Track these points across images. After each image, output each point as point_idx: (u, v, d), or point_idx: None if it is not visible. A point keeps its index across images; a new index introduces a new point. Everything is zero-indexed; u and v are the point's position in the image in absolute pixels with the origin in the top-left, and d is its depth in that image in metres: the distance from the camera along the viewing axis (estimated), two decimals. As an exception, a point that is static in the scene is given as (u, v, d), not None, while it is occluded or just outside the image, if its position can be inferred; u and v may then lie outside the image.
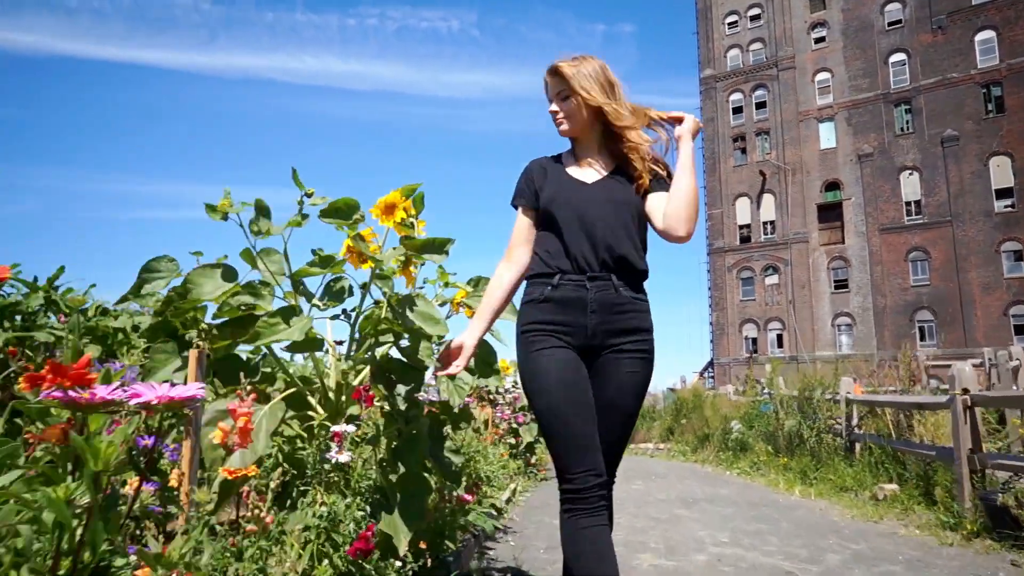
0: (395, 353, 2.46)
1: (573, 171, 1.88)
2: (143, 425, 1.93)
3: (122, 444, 1.71)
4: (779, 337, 39.29)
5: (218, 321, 2.30)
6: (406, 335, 2.09)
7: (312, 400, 2.36)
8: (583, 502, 1.63)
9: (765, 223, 40.72)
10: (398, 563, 1.94)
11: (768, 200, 40.53)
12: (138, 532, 1.61)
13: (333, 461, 1.76)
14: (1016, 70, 34.09)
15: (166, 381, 2.09)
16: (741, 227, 41.43)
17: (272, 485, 1.63)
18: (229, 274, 2.21)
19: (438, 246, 2.07)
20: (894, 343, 32.81)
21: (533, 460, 8.04)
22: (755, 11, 42.48)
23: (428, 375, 2.49)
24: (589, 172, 1.87)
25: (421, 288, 2.59)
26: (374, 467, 2.19)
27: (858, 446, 7.48)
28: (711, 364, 41.63)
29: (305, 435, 1.98)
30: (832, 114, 39.25)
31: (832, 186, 39.05)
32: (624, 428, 1.79)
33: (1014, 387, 8.27)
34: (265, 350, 2.23)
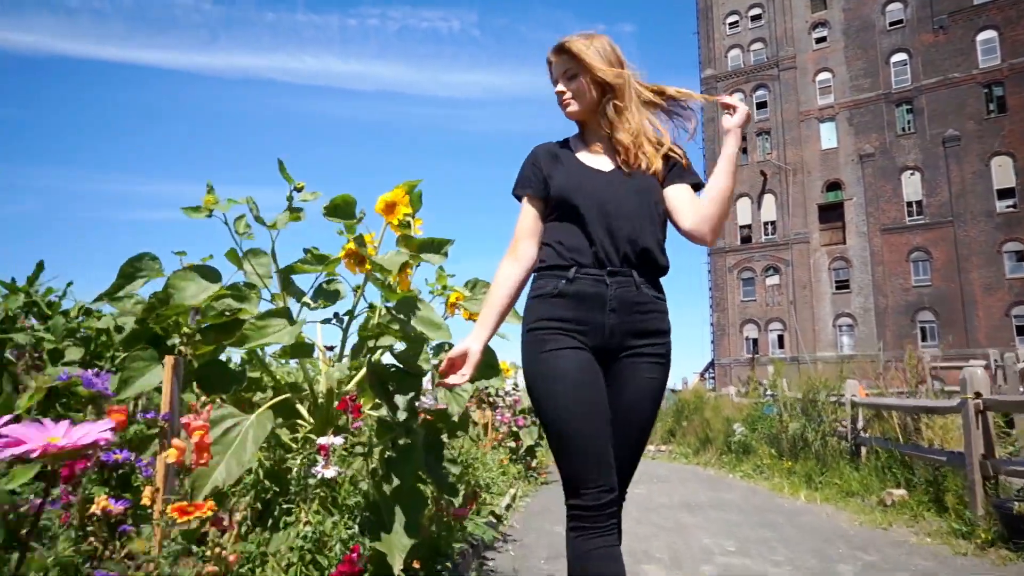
0: (390, 357, 2.34)
1: (585, 157, 1.73)
2: (117, 439, 1.80)
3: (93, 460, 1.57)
4: (780, 338, 39.15)
5: (203, 325, 2.19)
6: (402, 340, 1.97)
7: (301, 408, 2.23)
8: (594, 520, 1.49)
9: (766, 223, 40.57)
10: (391, 583, 1.82)
11: (769, 200, 40.39)
12: (107, 554, 1.48)
13: (319, 477, 1.63)
14: (1018, 70, 33.94)
15: (143, 393, 1.97)
16: (742, 227, 41.27)
17: (240, 512, 1.50)
18: (213, 276, 2.09)
19: (437, 247, 1.94)
20: (896, 344, 32.69)
21: (534, 464, 7.92)
22: (756, 11, 42.34)
23: (424, 381, 2.36)
24: (602, 159, 1.72)
25: (418, 291, 2.47)
26: (366, 480, 2.07)
27: (864, 450, 7.35)
28: (712, 365, 41.48)
29: (294, 446, 1.86)
30: (833, 114, 39.11)
31: (833, 186, 38.91)
32: (640, 439, 1.64)
33: (1021, 389, 8.14)
34: (248, 355, 2.10)
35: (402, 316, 1.84)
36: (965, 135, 34.91)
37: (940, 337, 34.28)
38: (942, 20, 36.11)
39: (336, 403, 2.21)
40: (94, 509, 1.47)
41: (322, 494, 1.67)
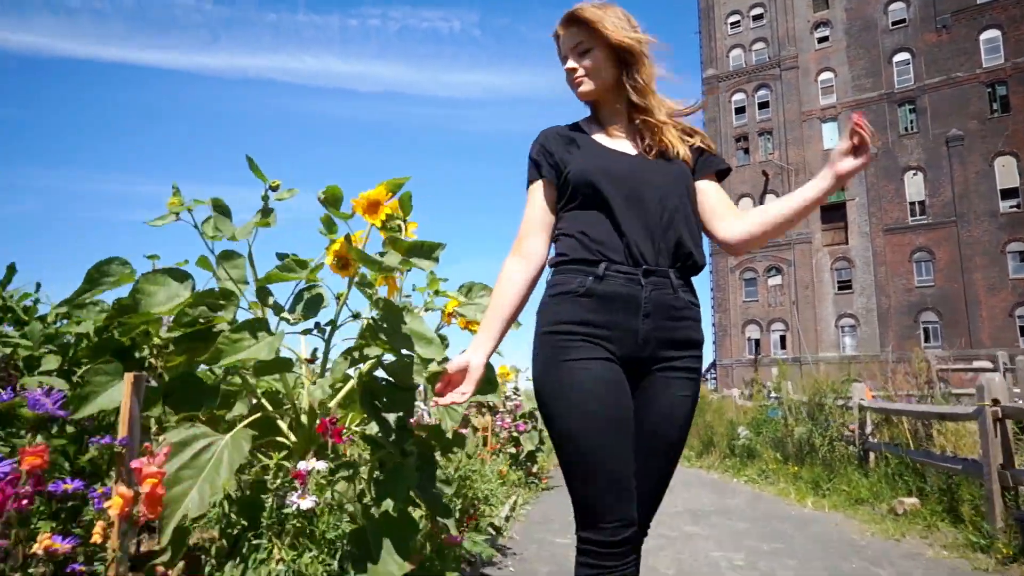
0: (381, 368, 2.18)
1: (603, 139, 1.52)
2: (67, 465, 1.64)
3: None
4: (782, 338, 38.96)
5: (178, 334, 2.02)
6: (390, 352, 1.80)
7: (282, 424, 2.07)
8: (612, 558, 1.30)
9: (768, 224, 40.35)
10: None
11: (770, 200, 40.19)
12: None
13: (294, 508, 1.46)
14: (1022, 69, 33.75)
15: (103, 411, 1.80)
16: (744, 228, 41.07)
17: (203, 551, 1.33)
18: (186, 281, 1.92)
19: (427, 250, 1.77)
20: (898, 345, 32.52)
21: (535, 469, 7.75)
22: (758, 11, 42.18)
23: (417, 395, 2.19)
24: (623, 143, 1.51)
25: (408, 297, 2.30)
26: (353, 503, 1.90)
27: (873, 455, 7.18)
28: (713, 365, 41.29)
29: (269, 467, 1.69)
30: (835, 114, 38.95)
31: (835, 186, 38.70)
32: (667, 467, 1.43)
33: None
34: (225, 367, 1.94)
35: (389, 328, 1.67)
36: (968, 135, 34.73)
37: (943, 338, 34.08)
38: (945, 19, 35.94)
39: (321, 421, 2.04)
40: (36, 548, 1.30)
41: (298, 524, 1.50)
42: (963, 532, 4.61)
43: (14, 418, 1.46)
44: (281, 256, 1.79)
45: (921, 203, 36.10)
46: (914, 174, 36.36)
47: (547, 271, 1.52)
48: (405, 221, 2.09)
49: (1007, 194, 33.84)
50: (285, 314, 1.80)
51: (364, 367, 1.88)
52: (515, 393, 7.59)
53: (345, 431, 2.27)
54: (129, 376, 1.52)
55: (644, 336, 1.38)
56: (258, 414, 1.97)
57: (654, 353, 1.40)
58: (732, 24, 43.16)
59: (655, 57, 1.54)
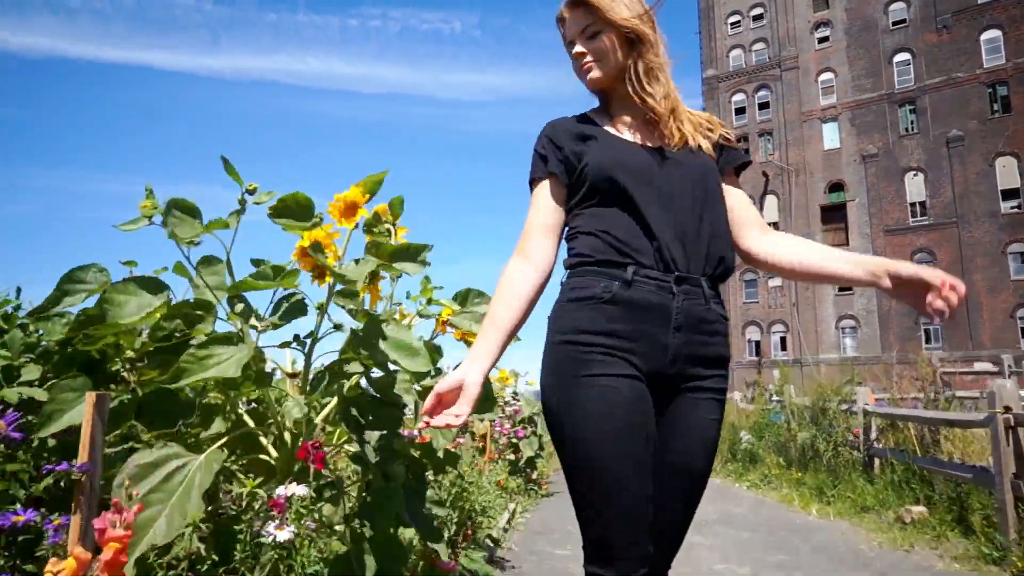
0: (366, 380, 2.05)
1: (619, 132, 1.37)
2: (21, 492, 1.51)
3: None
4: (783, 340, 38.84)
5: (151, 347, 1.89)
6: (374, 367, 1.67)
7: (265, 441, 1.94)
8: None
9: (769, 224, 40.09)
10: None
11: (771, 201, 40.08)
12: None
13: (271, 540, 1.34)
14: (1022, 69, 33.64)
15: (65, 431, 1.67)
16: (744, 229, 40.97)
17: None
18: (160, 292, 1.79)
19: (413, 254, 1.63)
20: (899, 346, 32.43)
21: (534, 476, 7.62)
22: (758, 11, 42.07)
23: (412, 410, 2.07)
24: (640, 135, 1.36)
25: (399, 304, 2.17)
26: (342, 525, 1.77)
27: (877, 461, 7.05)
28: (714, 367, 41.14)
29: (247, 496, 1.56)
30: (836, 114, 38.82)
31: (836, 187, 38.61)
32: (695, 498, 1.29)
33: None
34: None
35: (368, 340, 1.53)
36: (969, 135, 34.61)
37: (944, 339, 33.97)
38: (946, 19, 35.83)
39: (308, 435, 1.92)
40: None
41: (276, 556, 1.38)
42: (975, 543, 4.49)
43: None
44: (256, 262, 1.67)
45: (922, 204, 35.98)
46: (914, 175, 36.24)
47: (561, 273, 1.36)
48: (395, 226, 1.96)
49: (1008, 195, 33.72)
50: (254, 321, 1.67)
51: (349, 383, 1.76)
52: (514, 398, 7.46)
53: (333, 447, 2.15)
54: (91, 395, 1.40)
55: (674, 352, 1.23)
56: (240, 431, 1.85)
57: (682, 370, 1.25)
58: (732, 24, 43.05)
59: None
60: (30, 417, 1.69)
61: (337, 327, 1.67)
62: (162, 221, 1.57)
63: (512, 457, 7.00)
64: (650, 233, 1.24)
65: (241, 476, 1.84)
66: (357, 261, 1.58)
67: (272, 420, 1.93)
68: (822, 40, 39.86)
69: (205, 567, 1.33)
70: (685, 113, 1.38)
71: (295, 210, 1.59)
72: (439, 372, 2.12)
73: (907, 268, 1.22)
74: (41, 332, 3.03)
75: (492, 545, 4.17)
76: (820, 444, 8.13)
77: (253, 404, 2.15)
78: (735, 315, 40.12)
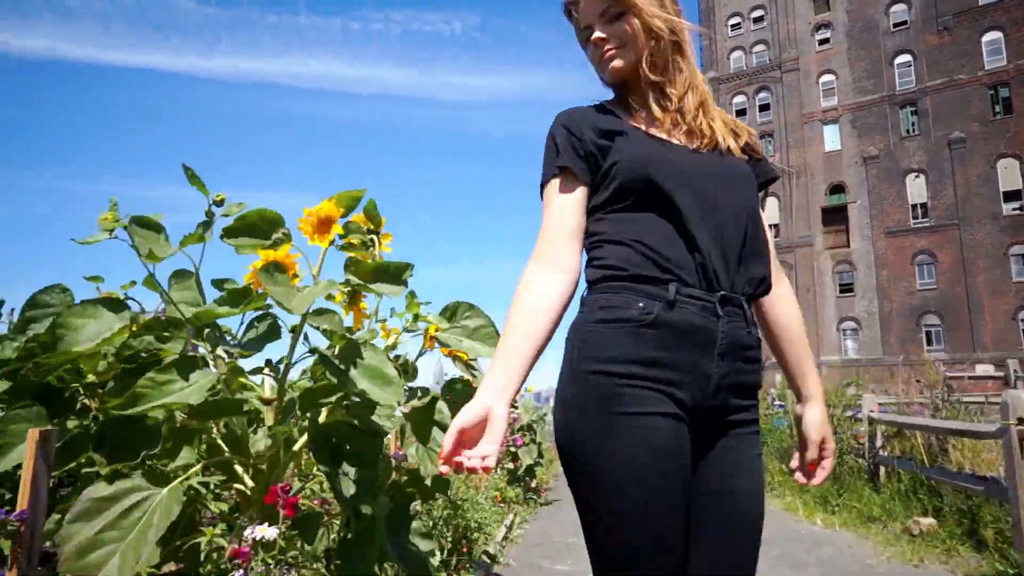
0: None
1: (646, 128, 1.16)
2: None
3: None
4: (784, 342, 38.71)
5: (116, 371, 1.76)
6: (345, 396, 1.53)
7: (239, 469, 1.81)
8: None
9: (769, 226, 39.79)
10: None
11: (772, 203, 39.97)
12: None
13: (233, 594, 1.21)
14: (1024, 71, 33.58)
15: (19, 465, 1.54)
16: (744, 230, 40.88)
17: None
18: (122, 311, 1.66)
19: (394, 273, 1.49)
20: (901, 348, 32.30)
21: (533, 484, 7.49)
22: (758, 12, 41.99)
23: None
24: (667, 132, 1.17)
25: (383, 321, 2.04)
26: (317, 566, 1.64)
27: (883, 470, 6.91)
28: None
29: (206, 543, 1.43)
30: (837, 116, 38.73)
31: (837, 189, 38.51)
32: (755, 552, 1.10)
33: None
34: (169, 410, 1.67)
35: (340, 366, 1.39)
36: (970, 137, 34.52)
37: (946, 341, 33.84)
38: (947, 21, 35.74)
39: (284, 466, 1.79)
40: None
41: (242, 608, 1.25)
42: (987, 559, 4.35)
43: None
44: (218, 283, 1.53)
45: (923, 206, 35.87)
46: (916, 176, 36.13)
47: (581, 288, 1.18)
48: (378, 234, 1.83)
49: (1009, 196, 33.61)
50: (219, 350, 1.53)
51: (323, 411, 1.63)
52: (512, 405, 7.32)
53: (314, 476, 2.02)
54: (33, 432, 1.26)
55: (717, 382, 1.07)
56: (214, 459, 1.71)
57: (724, 402, 1.09)
58: (733, 26, 42.96)
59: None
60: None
61: (313, 351, 1.54)
62: (132, 243, 1.42)
63: (511, 466, 6.86)
64: (693, 245, 1.07)
65: (213, 506, 1.71)
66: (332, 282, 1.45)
67: (246, 449, 1.79)
68: (823, 42, 39.79)
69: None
70: (715, 109, 1.24)
71: (257, 227, 1.45)
72: (426, 392, 1.98)
73: (809, 422, 1.24)
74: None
75: (488, 562, 4.03)
76: (824, 452, 7.99)
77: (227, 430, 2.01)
78: (736, 317, 40.00)
